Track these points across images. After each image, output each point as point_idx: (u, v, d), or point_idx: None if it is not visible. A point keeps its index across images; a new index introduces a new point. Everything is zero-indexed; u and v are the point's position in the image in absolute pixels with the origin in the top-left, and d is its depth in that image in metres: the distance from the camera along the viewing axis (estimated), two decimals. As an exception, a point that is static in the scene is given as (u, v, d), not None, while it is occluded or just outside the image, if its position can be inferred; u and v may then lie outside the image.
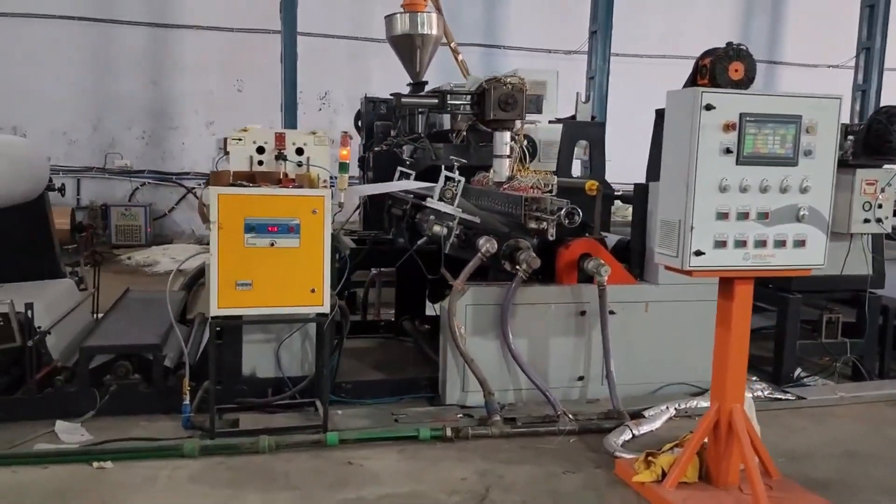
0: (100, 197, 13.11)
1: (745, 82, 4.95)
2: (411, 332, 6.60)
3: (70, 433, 4.39)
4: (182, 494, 3.75)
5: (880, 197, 5.51)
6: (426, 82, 8.26)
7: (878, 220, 5.53)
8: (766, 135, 3.48)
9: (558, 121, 8.08)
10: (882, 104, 13.09)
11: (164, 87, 13.37)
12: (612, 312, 5.21)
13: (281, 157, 4.66)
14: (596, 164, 7.39)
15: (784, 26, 15.99)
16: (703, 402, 5.10)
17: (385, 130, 8.62)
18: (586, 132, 7.45)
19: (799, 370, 6.01)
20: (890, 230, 5.61)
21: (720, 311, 3.78)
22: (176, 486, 3.82)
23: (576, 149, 7.56)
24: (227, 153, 4.83)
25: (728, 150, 3.44)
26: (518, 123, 6.20)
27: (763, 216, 3.53)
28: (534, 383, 4.95)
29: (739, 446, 3.67)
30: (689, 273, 3.54)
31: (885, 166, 5.54)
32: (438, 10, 9.90)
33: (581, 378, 5.30)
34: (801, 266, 3.64)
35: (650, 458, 3.91)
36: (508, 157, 6.09)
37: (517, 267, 4.97)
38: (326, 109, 14.09)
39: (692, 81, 5.26)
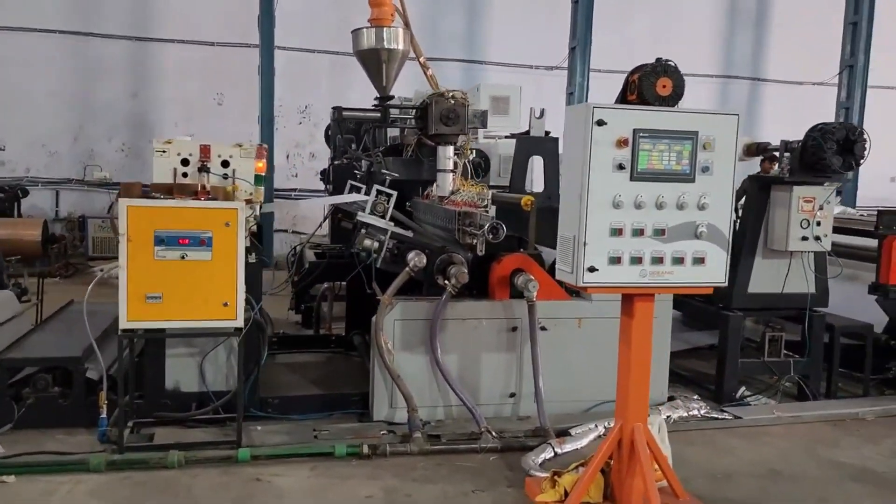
0: (78, 209, 13.14)
1: (673, 98, 4.92)
2: (359, 346, 6.57)
3: (-16, 446, 4.37)
4: (77, 510, 3.72)
5: (818, 214, 5.45)
6: (393, 96, 8.28)
7: (817, 238, 5.47)
8: (661, 151, 3.45)
9: (511, 136, 8.07)
10: (864, 122, 13.11)
11: (143, 100, 13.45)
12: (543, 328, 5.18)
13: (204, 169, 4.64)
14: (549, 178, 7.39)
15: (768, 43, 15.97)
16: (635, 421, 5.06)
17: (348, 144, 8.63)
18: (540, 147, 7.44)
19: (742, 389, 5.95)
20: (829, 248, 5.54)
21: (622, 328, 3.74)
22: (73, 500, 3.79)
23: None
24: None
25: (621, 167, 3.41)
26: (462, 138, 6.21)
27: (659, 233, 3.49)
28: (460, 398, 4.91)
29: (641, 466, 3.61)
30: (583, 289, 3.51)
31: (826, 184, 5.48)
32: (406, 24, 9.92)
33: (513, 395, 5.24)
34: (702, 284, 3.59)
35: (556, 477, 3.85)
36: (452, 171, 6.08)
37: (447, 282, 4.94)
38: (307, 123, 14.12)
39: (622, 97, 5.27)
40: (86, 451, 4.29)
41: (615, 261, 3.45)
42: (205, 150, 4.76)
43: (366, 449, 4.41)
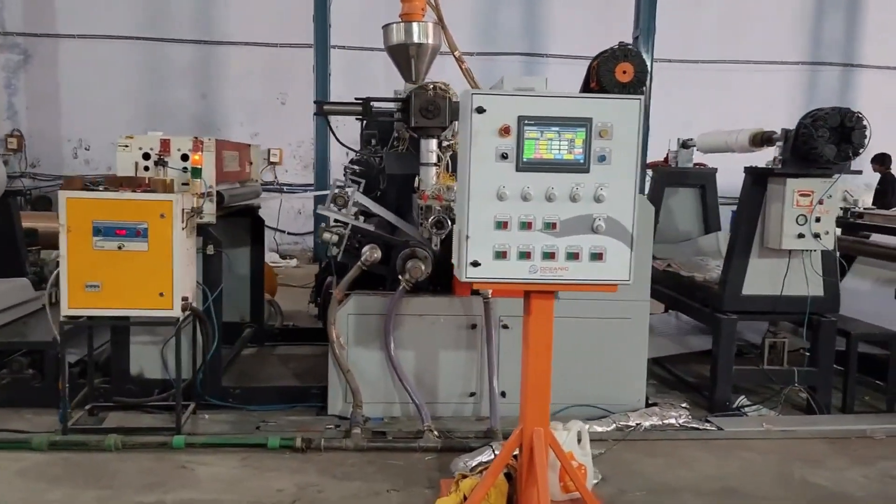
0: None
1: (635, 84, 4.66)
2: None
3: (-42, 422, 4.69)
4: (-2, 487, 3.90)
5: (818, 209, 4.95)
6: None
7: (816, 236, 4.97)
8: (549, 139, 3.21)
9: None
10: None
11: (211, 101, 14.07)
12: (505, 327, 5.00)
13: (161, 163, 4.78)
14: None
15: (862, 26, 14.70)
16: (598, 427, 4.80)
17: (369, 138, 8.67)
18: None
19: (742, 398, 5.50)
20: (830, 247, 5.02)
21: (523, 327, 3.52)
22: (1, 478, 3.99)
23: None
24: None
25: (504, 156, 3.20)
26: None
27: (550, 226, 3.25)
28: (409, 396, 4.81)
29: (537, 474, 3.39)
30: (469, 284, 3.33)
31: (833, 176, 4.97)
32: (440, 19, 9.84)
33: (473, 394, 5.08)
34: (602, 281, 3.32)
35: (459, 481, 3.69)
36: (436, 165, 5.96)
37: (402, 276, 4.86)
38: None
39: (585, 86, 5.00)
40: (41, 431, 4.51)
41: (500, 255, 3.25)
42: (164, 145, 4.90)
43: (299, 442, 4.39)
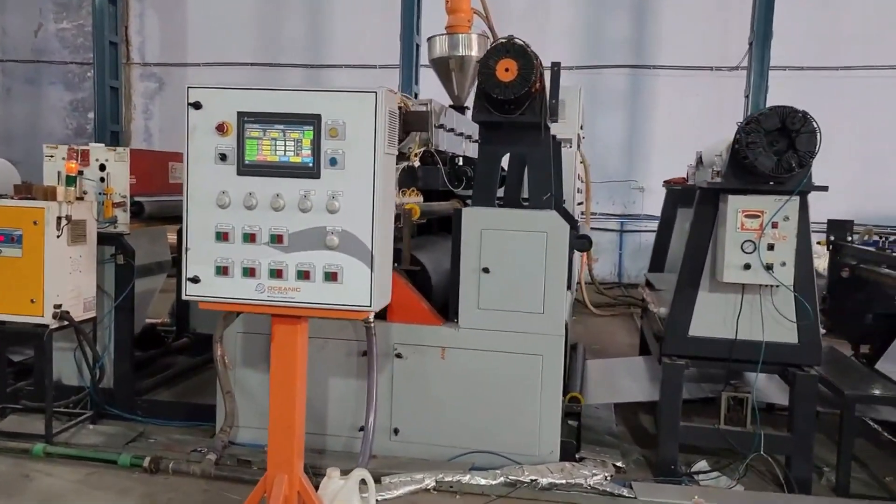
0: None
1: (518, 84, 4.05)
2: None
3: None
4: None
5: (770, 234, 3.97)
6: (467, 106, 7.89)
7: (768, 268, 3.98)
8: (274, 139, 2.79)
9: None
10: None
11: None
12: (399, 356, 4.51)
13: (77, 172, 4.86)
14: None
15: None
16: (481, 479, 4.16)
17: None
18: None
19: (701, 463, 4.56)
20: (786, 281, 3.99)
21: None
22: None
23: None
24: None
25: (223, 157, 2.83)
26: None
27: (276, 239, 2.82)
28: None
29: (278, 526, 2.94)
30: (191, 301, 2.97)
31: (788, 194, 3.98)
32: (491, 30, 9.40)
33: (362, 429, 4.61)
34: (339, 306, 2.83)
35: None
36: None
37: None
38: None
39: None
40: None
41: (221, 271, 2.87)
42: (84, 155, 4.99)
43: (147, 462, 4.21)
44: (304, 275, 2.81)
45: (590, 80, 13.35)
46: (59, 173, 4.95)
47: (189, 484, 4.12)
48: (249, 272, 2.85)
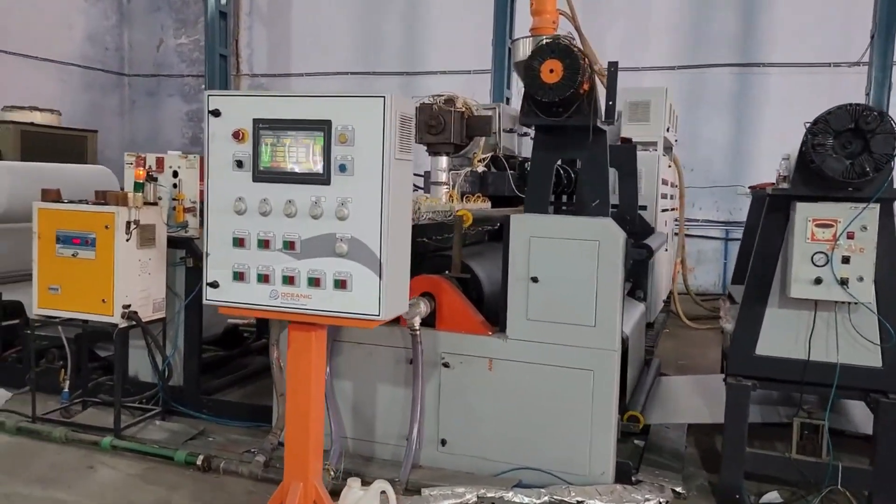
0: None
1: (564, 86, 3.90)
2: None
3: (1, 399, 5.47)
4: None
5: (845, 245, 3.59)
6: None
7: (842, 283, 3.61)
8: (286, 145, 2.79)
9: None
10: None
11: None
12: (446, 365, 4.43)
13: (151, 178, 5.09)
14: (626, 193, 6.16)
15: None
16: (524, 497, 4.01)
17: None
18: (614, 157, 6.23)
19: (774, 493, 4.21)
20: (866, 299, 3.59)
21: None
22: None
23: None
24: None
25: (240, 164, 2.85)
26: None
27: (289, 246, 2.82)
28: (332, 427, 4.49)
29: (291, 534, 2.93)
30: (212, 306, 3.00)
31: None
32: (577, 30, 9.14)
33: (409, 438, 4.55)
34: (349, 315, 2.78)
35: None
36: (444, 184, 5.51)
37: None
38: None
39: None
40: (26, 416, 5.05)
41: (239, 277, 2.89)
42: (160, 162, 5.24)
43: (200, 461, 4.34)
44: (314, 282, 2.79)
45: (693, 79, 12.79)
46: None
47: (236, 484, 4.21)
48: (264, 278, 2.86)
